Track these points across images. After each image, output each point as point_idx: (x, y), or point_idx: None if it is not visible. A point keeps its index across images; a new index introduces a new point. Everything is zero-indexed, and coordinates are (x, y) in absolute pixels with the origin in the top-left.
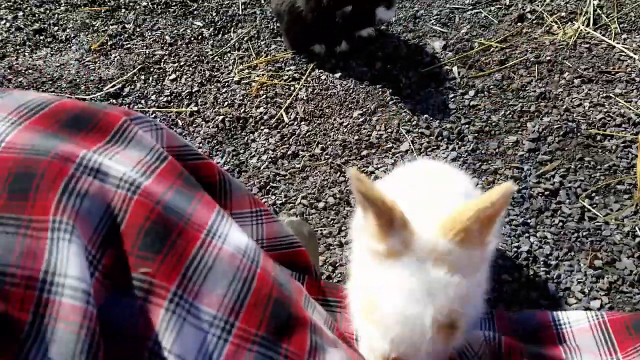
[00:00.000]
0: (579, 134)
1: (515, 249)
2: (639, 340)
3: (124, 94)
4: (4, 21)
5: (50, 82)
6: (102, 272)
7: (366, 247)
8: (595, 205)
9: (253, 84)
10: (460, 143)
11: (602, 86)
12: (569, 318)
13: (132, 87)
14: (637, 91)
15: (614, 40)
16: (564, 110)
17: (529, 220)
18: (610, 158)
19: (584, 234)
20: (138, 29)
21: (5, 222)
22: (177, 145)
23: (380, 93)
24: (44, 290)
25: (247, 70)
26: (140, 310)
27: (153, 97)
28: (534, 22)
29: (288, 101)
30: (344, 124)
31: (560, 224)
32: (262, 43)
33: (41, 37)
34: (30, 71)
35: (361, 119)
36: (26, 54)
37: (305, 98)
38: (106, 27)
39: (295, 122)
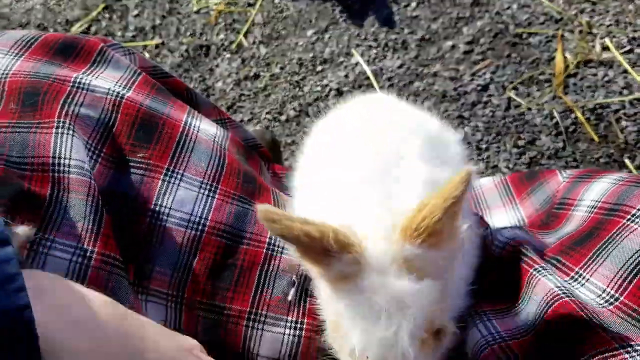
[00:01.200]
0: (507, 34)
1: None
2: (530, 185)
3: (90, 32)
4: None
5: (20, 27)
6: (104, 158)
7: (313, 274)
8: (520, 95)
9: (211, 12)
10: (404, 51)
11: None
12: (480, 183)
13: (98, 26)
14: None
15: None
16: (495, 13)
17: (463, 113)
18: (533, 53)
19: (510, 120)
20: None
21: (19, 126)
22: (148, 66)
23: (330, 11)
24: (56, 170)
25: (204, 0)
26: (141, 182)
27: (119, 34)
28: None
29: (246, 26)
30: (299, 44)
31: (490, 113)
32: None
33: None
34: None
35: (315, 37)
36: None
37: (261, 22)
38: None
39: (255, 46)
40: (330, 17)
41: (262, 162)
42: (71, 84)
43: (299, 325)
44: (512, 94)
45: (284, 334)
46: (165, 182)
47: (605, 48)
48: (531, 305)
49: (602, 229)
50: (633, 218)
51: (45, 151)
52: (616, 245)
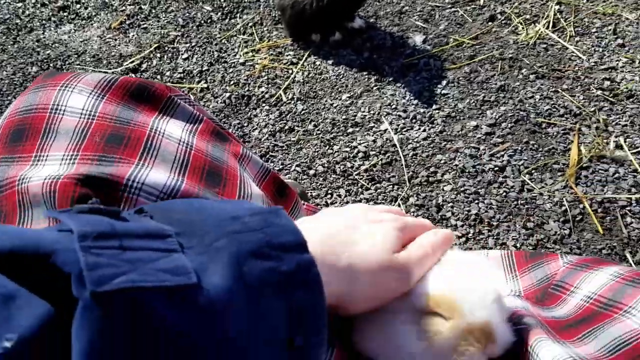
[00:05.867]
0: (528, 121)
1: (466, 212)
2: (532, 262)
3: (141, 69)
4: None
5: (76, 55)
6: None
7: None
8: (533, 180)
9: (256, 65)
10: (430, 125)
11: (553, 82)
12: (487, 253)
13: (149, 63)
14: (581, 87)
15: (568, 42)
16: (518, 101)
17: (479, 190)
18: (550, 142)
19: (522, 202)
20: (153, 11)
21: (100, 160)
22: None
23: (366, 79)
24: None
25: (250, 53)
26: (115, 170)
27: (168, 74)
28: (503, 22)
29: (286, 83)
30: (334, 105)
31: (504, 193)
32: (264, 29)
33: (65, 14)
34: (56, 45)
35: (349, 101)
36: (52, 28)
37: (301, 80)
38: (124, 7)
39: (292, 102)
40: (365, 85)
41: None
42: (149, 130)
43: None
44: (526, 178)
45: None
46: (135, 171)
47: (618, 146)
48: None
49: (595, 319)
50: (624, 313)
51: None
52: (604, 331)
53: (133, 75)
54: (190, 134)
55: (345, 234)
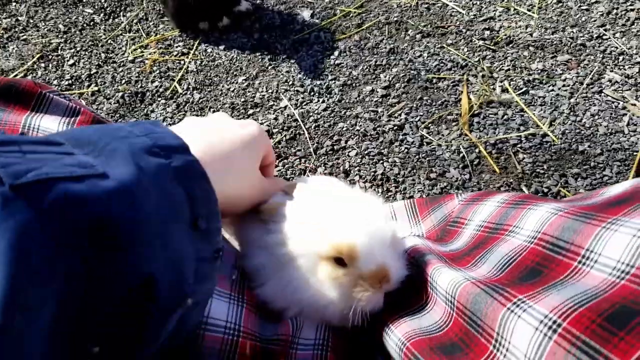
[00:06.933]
0: (419, 79)
1: (372, 173)
2: (431, 206)
3: None
4: None
5: None
6: None
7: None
8: (431, 133)
9: (146, 61)
10: (328, 96)
11: (438, 39)
12: (393, 206)
13: (34, 75)
14: (464, 40)
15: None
16: (408, 61)
17: (383, 150)
18: (442, 96)
19: (423, 155)
20: (31, 20)
21: None
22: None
23: (260, 60)
24: None
25: (139, 50)
26: None
27: (55, 82)
28: None
29: (180, 74)
30: (231, 89)
31: (406, 150)
32: (150, 24)
33: None
34: None
35: (245, 84)
36: None
37: (195, 70)
38: (0, 22)
39: (188, 92)
40: (259, 65)
41: None
42: (21, 127)
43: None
44: (424, 132)
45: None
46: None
47: (504, 90)
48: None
49: (485, 243)
50: (509, 233)
51: None
52: (493, 253)
53: None
54: (68, 127)
55: (216, 135)
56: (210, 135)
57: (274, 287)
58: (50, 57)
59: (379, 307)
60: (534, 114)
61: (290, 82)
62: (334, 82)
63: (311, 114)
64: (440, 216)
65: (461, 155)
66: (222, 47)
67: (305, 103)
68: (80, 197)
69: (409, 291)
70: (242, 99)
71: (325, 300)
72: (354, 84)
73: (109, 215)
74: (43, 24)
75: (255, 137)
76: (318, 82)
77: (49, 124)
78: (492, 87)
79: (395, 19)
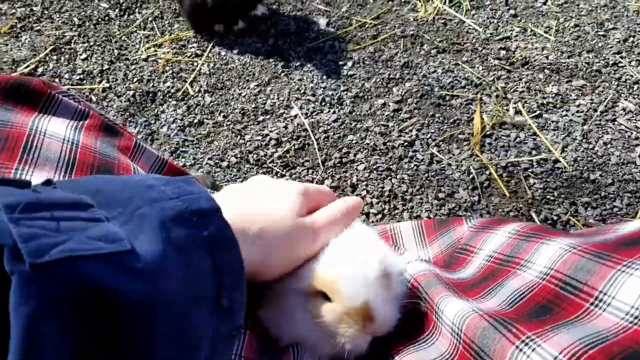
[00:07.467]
0: (432, 95)
1: (380, 189)
2: (440, 230)
3: (37, 73)
4: None
5: None
6: None
7: None
8: (441, 152)
9: (159, 60)
10: (339, 107)
11: (453, 55)
12: (399, 226)
13: (46, 67)
14: (479, 58)
15: (464, 16)
16: (422, 76)
17: (391, 166)
18: (455, 114)
19: (432, 174)
20: (46, 12)
21: None
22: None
23: (273, 66)
24: None
25: (153, 49)
26: None
27: (66, 76)
28: (402, 0)
29: (192, 75)
30: (243, 94)
31: (415, 167)
32: (165, 23)
33: None
34: None
35: (257, 90)
36: None
37: (207, 72)
38: (14, 10)
39: (200, 94)
40: (272, 71)
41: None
42: (28, 129)
43: None
44: (434, 150)
45: None
46: (18, 172)
47: (517, 112)
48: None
49: (496, 276)
50: (520, 267)
51: None
52: (503, 287)
53: None
54: (75, 131)
55: (253, 204)
56: (246, 200)
57: (272, 312)
58: (62, 50)
59: (361, 350)
60: (546, 138)
61: (302, 91)
62: (346, 94)
63: (321, 124)
64: (449, 242)
65: (471, 176)
66: (236, 51)
67: (315, 113)
68: (102, 286)
69: (414, 320)
70: (253, 105)
71: (315, 335)
72: (366, 96)
73: (129, 302)
74: (57, 15)
75: (295, 203)
76: (330, 92)
77: (56, 128)
78: (505, 108)
79: (411, 32)
